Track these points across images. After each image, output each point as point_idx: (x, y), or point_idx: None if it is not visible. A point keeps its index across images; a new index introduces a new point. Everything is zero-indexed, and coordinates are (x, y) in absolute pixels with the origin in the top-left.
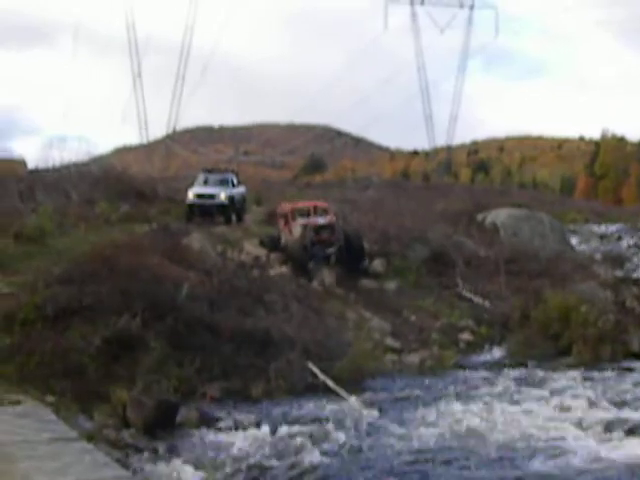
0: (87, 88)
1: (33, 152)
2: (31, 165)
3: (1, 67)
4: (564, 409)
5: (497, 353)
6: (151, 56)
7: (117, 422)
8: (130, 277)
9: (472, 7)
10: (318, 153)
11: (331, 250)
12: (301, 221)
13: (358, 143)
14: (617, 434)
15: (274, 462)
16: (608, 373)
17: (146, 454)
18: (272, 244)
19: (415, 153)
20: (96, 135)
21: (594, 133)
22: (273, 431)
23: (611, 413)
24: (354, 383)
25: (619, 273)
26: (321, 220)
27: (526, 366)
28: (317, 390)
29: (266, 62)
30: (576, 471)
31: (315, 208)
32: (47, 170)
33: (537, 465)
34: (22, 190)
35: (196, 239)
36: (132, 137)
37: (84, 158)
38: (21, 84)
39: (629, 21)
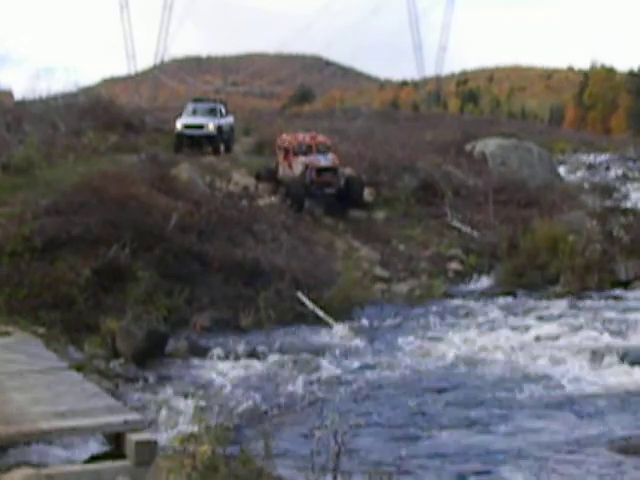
0: (73, 17)
1: (20, 83)
2: (18, 96)
3: None
4: (552, 337)
5: (485, 282)
6: None
7: (107, 352)
8: (119, 208)
9: None
10: (307, 83)
11: (330, 191)
12: (302, 159)
13: (347, 73)
14: (605, 361)
15: (263, 391)
16: (595, 302)
17: (136, 384)
18: (268, 176)
19: (404, 83)
20: (83, 66)
21: (583, 64)
22: (262, 360)
23: (598, 341)
24: (343, 312)
25: (607, 203)
26: (323, 162)
27: (514, 295)
28: (306, 319)
29: None
30: (565, 398)
31: (317, 144)
32: (34, 101)
33: (526, 392)
34: (9, 122)
35: (184, 169)
36: (120, 68)
37: (71, 89)
38: (6, 13)
39: None
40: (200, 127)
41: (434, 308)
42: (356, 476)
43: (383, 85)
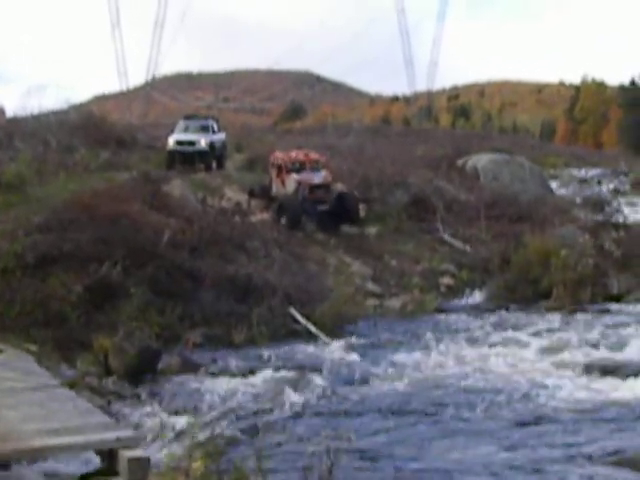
0: (65, 34)
1: (11, 100)
2: (9, 113)
3: None
4: (544, 351)
5: (478, 297)
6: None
7: (99, 370)
8: (110, 225)
9: None
10: (298, 99)
11: (323, 207)
12: (295, 176)
13: (338, 89)
14: (596, 375)
15: (256, 407)
16: (587, 316)
17: (128, 401)
18: (262, 193)
19: (395, 98)
20: (75, 83)
21: (574, 78)
22: (255, 376)
23: (591, 355)
24: (335, 328)
25: (599, 217)
26: (316, 179)
27: (507, 310)
28: (299, 335)
29: (246, 8)
30: (557, 412)
31: (310, 161)
32: (26, 118)
33: (518, 407)
34: (1, 138)
35: (177, 186)
36: (111, 85)
37: (63, 106)
38: None
39: None
40: (192, 144)
41: (426, 323)
42: None
43: (374, 100)
